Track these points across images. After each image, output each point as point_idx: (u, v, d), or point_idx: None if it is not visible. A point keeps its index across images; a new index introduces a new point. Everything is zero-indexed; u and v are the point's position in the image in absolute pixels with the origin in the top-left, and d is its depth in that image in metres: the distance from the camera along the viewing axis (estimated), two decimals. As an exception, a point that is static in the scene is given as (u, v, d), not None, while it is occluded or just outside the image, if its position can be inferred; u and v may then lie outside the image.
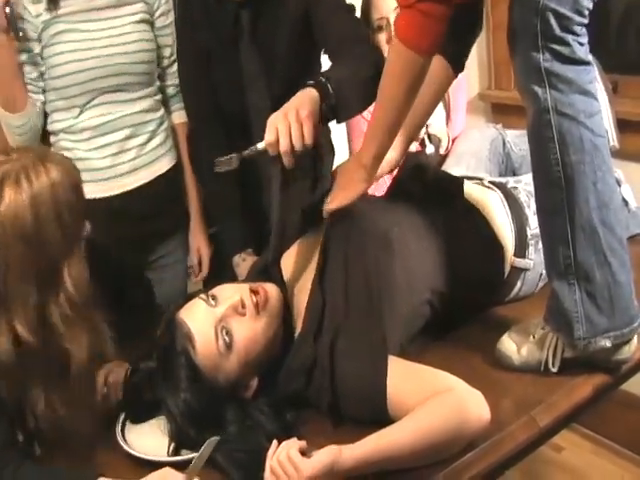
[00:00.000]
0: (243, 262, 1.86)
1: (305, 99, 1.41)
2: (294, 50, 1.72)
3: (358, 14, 2.20)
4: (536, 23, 1.23)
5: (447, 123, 2.28)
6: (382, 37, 2.15)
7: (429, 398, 1.21)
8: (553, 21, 1.22)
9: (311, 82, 1.47)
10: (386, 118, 1.49)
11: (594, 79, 1.29)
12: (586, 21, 1.25)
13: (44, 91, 1.83)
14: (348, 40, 1.70)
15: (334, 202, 1.56)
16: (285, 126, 1.34)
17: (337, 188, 1.59)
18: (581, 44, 1.25)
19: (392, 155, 1.64)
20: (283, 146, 1.34)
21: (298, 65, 1.81)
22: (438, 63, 1.64)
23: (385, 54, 2.13)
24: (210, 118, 1.88)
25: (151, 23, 1.89)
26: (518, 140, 2.05)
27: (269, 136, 1.35)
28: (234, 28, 1.78)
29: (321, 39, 1.76)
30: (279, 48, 1.77)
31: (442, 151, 2.25)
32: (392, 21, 2.11)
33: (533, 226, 1.58)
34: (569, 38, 1.24)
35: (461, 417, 1.19)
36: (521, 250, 1.58)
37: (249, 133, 1.83)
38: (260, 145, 1.38)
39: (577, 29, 1.24)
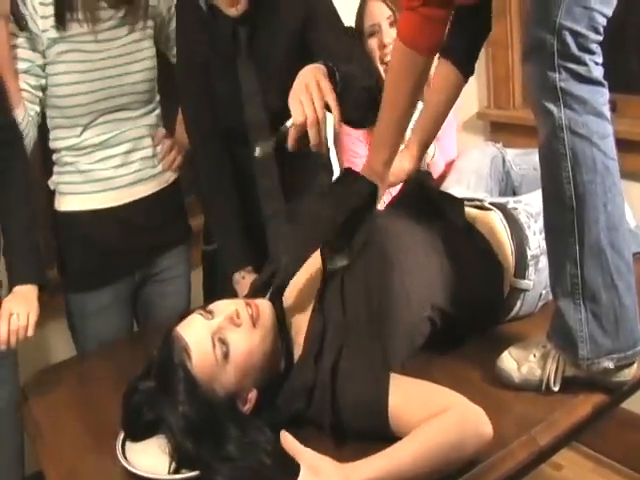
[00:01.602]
0: (243, 280, 1.87)
1: (318, 71, 1.42)
2: (290, 65, 1.74)
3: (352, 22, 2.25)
4: (553, 42, 1.23)
5: None
6: (374, 42, 2.21)
7: (431, 415, 1.22)
8: (570, 40, 1.23)
9: (320, 61, 1.48)
10: (391, 122, 1.55)
11: (607, 102, 1.29)
12: (601, 38, 1.26)
13: (42, 104, 1.82)
14: (343, 60, 1.69)
15: None
16: (309, 100, 1.35)
17: None
18: (597, 63, 1.26)
19: (406, 164, 1.71)
20: (310, 118, 1.34)
21: (294, 80, 1.83)
22: (446, 69, 1.68)
23: (377, 59, 2.20)
24: (210, 134, 1.88)
25: (155, 38, 1.91)
26: (518, 159, 2.06)
27: (298, 117, 1.35)
28: (232, 44, 1.79)
29: (316, 57, 1.78)
30: (276, 63, 1.79)
31: (428, 159, 2.28)
32: (384, 27, 2.18)
33: (533, 247, 1.59)
34: (586, 57, 1.25)
35: (463, 435, 1.20)
36: (521, 271, 1.58)
37: (248, 147, 1.84)
38: (288, 123, 1.38)
39: (593, 47, 1.25)
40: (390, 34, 2.15)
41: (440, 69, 1.71)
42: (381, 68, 2.19)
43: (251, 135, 1.83)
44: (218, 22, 1.77)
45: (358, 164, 2.25)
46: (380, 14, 2.18)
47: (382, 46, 2.18)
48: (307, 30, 1.77)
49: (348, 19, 2.26)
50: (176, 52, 1.91)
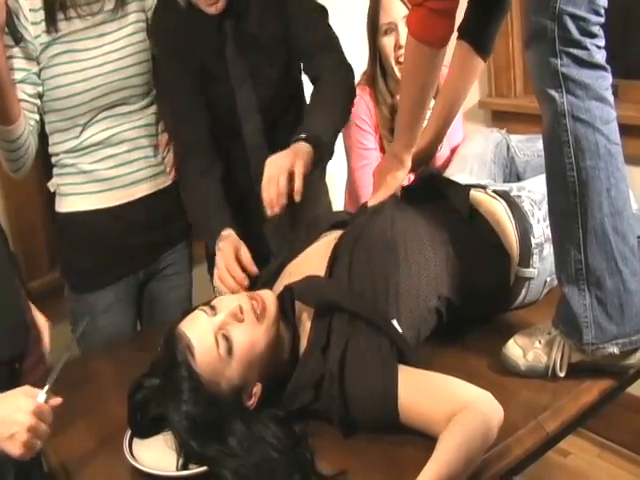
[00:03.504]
0: (220, 242, 1.70)
1: (300, 152, 1.58)
2: (276, 54, 1.81)
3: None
4: (553, 28, 1.24)
5: None
6: (388, 41, 2.17)
7: (442, 404, 1.23)
8: (571, 25, 1.23)
9: (303, 137, 1.62)
10: (409, 110, 1.60)
11: (610, 86, 1.29)
12: (602, 20, 1.26)
13: (40, 112, 1.81)
14: (320, 48, 1.81)
15: (376, 197, 1.66)
16: (275, 188, 1.54)
17: (376, 187, 1.69)
18: (598, 47, 1.26)
19: (431, 135, 1.79)
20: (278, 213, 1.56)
21: (280, 67, 1.86)
22: (464, 50, 1.70)
23: (390, 58, 2.17)
24: (200, 146, 1.87)
25: (148, 30, 1.89)
26: (522, 145, 2.05)
27: (266, 196, 1.55)
28: (218, 37, 1.80)
29: (295, 41, 1.83)
30: (262, 48, 1.81)
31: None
32: (400, 28, 2.13)
33: (537, 235, 1.58)
34: (587, 42, 1.25)
35: (488, 425, 1.20)
36: (525, 259, 1.58)
37: (240, 140, 1.85)
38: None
39: (594, 29, 1.25)
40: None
41: (458, 51, 1.72)
42: (396, 68, 2.15)
43: (243, 120, 1.84)
44: (201, 20, 1.77)
45: (366, 156, 2.25)
46: (397, 13, 2.13)
47: (398, 47, 2.13)
48: (289, 17, 1.81)
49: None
50: (162, 71, 1.87)
